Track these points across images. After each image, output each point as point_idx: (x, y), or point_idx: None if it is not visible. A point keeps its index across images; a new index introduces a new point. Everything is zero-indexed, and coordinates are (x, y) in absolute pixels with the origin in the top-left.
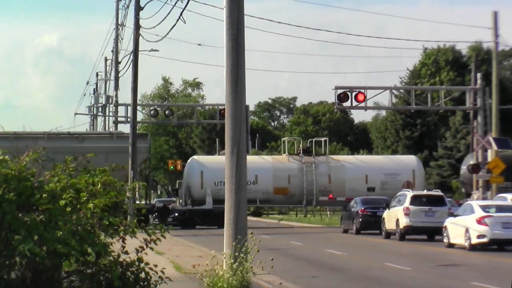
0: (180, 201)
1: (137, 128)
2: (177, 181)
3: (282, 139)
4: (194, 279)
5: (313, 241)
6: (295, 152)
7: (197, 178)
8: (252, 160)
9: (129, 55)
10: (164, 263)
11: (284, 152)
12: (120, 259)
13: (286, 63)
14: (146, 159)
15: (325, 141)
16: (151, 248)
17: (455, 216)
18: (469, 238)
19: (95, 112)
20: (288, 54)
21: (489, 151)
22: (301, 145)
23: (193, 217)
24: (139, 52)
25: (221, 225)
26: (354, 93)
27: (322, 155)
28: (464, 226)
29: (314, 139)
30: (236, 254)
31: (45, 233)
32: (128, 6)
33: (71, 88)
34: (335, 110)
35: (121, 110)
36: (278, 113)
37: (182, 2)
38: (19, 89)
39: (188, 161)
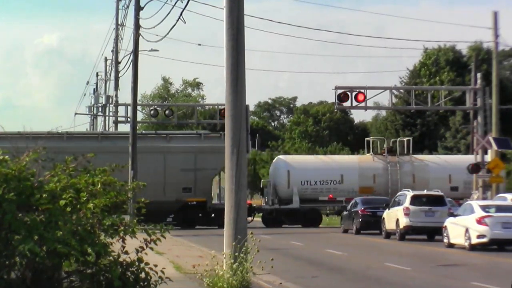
0: (266, 200)
1: (137, 128)
2: (262, 180)
3: (366, 139)
4: (194, 279)
5: (313, 241)
6: (379, 152)
7: (283, 178)
8: (338, 159)
9: (129, 55)
10: (164, 263)
11: (369, 152)
12: (120, 259)
13: (286, 63)
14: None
15: (408, 141)
16: (151, 248)
17: (455, 216)
18: (469, 238)
19: (95, 112)
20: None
21: (489, 151)
22: (385, 145)
23: (280, 216)
24: (139, 52)
25: (307, 224)
26: (354, 93)
27: (405, 155)
28: (464, 226)
29: (398, 139)
30: (236, 254)
31: (45, 233)
32: (128, 6)
33: (71, 88)
34: (335, 110)
35: (121, 110)
36: (278, 113)
37: (182, 2)
38: (20, 89)
39: (274, 160)
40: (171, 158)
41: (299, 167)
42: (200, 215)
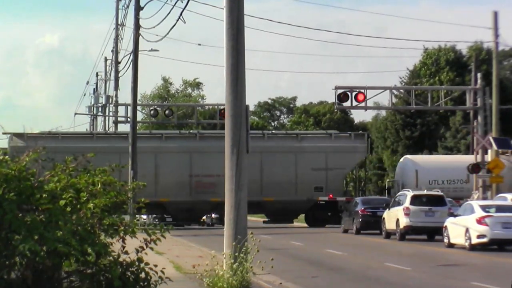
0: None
1: (137, 128)
2: (387, 180)
3: None
4: (194, 279)
5: (313, 241)
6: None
7: (411, 177)
8: (462, 159)
9: (129, 55)
10: (164, 263)
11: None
12: (120, 259)
13: (286, 63)
14: (363, 159)
15: None
16: (151, 248)
17: (455, 216)
18: (469, 238)
19: (95, 112)
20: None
21: (489, 151)
22: None
23: None
24: (139, 52)
25: None
26: (354, 93)
27: None
28: (464, 226)
29: None
30: (236, 254)
31: (45, 233)
32: (128, 6)
33: (71, 88)
34: (335, 110)
35: (121, 110)
36: (278, 113)
37: (182, 2)
38: (20, 89)
39: (401, 160)
40: (303, 158)
41: (427, 166)
42: (330, 214)
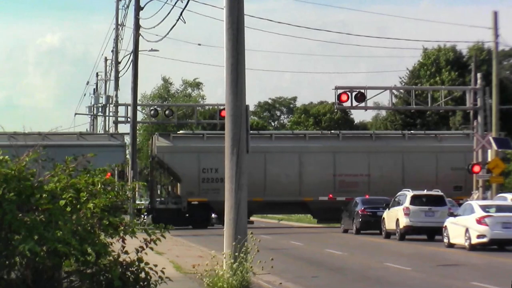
0: None
1: (137, 128)
2: None
3: None
4: (194, 279)
5: (313, 241)
6: None
7: None
8: None
9: (129, 55)
10: (164, 263)
11: None
12: (120, 259)
13: (287, 63)
14: None
15: None
16: (151, 248)
17: (455, 216)
18: (469, 238)
19: (95, 112)
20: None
21: (489, 151)
22: None
23: None
24: (139, 52)
25: None
26: (354, 93)
27: None
28: (464, 226)
29: None
30: (236, 254)
31: (45, 233)
32: (128, 6)
33: (72, 88)
34: (335, 110)
35: (121, 110)
36: (278, 113)
37: (182, 2)
38: (20, 88)
39: None
40: (443, 158)
41: None
42: None
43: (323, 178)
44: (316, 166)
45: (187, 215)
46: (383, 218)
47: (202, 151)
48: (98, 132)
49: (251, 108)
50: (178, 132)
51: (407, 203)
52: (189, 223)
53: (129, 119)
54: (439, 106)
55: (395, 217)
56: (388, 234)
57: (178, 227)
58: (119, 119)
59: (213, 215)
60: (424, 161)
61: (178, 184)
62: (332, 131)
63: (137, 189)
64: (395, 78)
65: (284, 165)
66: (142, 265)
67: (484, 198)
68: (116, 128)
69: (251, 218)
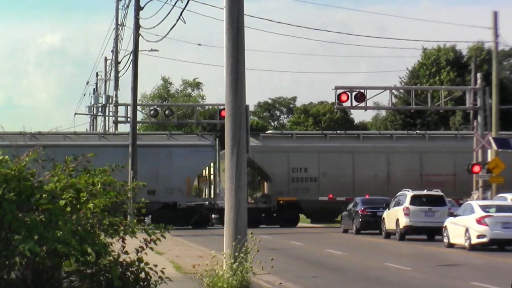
0: None
1: (137, 128)
2: None
3: None
4: (194, 279)
5: (313, 241)
6: None
7: None
8: None
9: (129, 55)
10: (164, 263)
11: None
12: (120, 259)
13: (287, 63)
14: None
15: None
16: (151, 248)
17: (455, 216)
18: (469, 238)
19: (95, 112)
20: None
21: (489, 151)
22: None
23: None
24: (139, 52)
25: None
26: (354, 93)
27: None
28: (464, 226)
29: None
30: (236, 254)
31: (45, 233)
32: (128, 6)
33: (72, 88)
34: (335, 110)
35: (121, 110)
36: (278, 113)
37: (182, 2)
38: (21, 88)
39: None
40: None
41: None
42: None
43: (410, 178)
44: (403, 166)
45: (275, 214)
46: (383, 218)
47: (291, 151)
48: (187, 133)
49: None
50: (266, 132)
51: (407, 203)
52: (277, 222)
53: (129, 119)
54: (439, 106)
55: (395, 217)
56: (388, 234)
57: (267, 226)
58: (119, 119)
59: (213, 216)
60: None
61: (265, 183)
62: (418, 132)
63: (137, 189)
64: (395, 78)
65: (372, 165)
66: (142, 265)
67: (484, 198)
68: (116, 128)
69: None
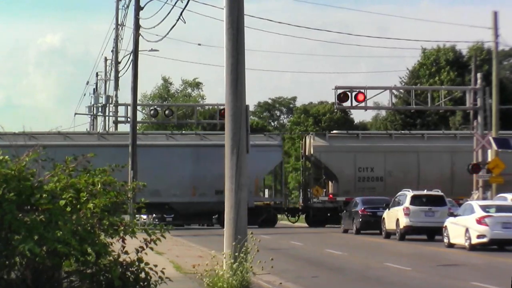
0: None
1: (137, 128)
2: None
3: None
4: (194, 279)
5: (313, 241)
6: None
7: None
8: None
9: (129, 55)
10: (164, 263)
11: None
12: (120, 259)
13: (287, 63)
14: None
15: None
16: (151, 248)
17: (455, 216)
18: (469, 238)
19: (95, 112)
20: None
21: (489, 151)
22: None
23: None
24: (139, 52)
25: None
26: (354, 93)
27: None
28: (464, 226)
29: None
30: (236, 254)
31: (45, 233)
32: (128, 6)
33: (72, 88)
34: (335, 110)
35: (121, 110)
36: (278, 113)
37: (182, 2)
38: (21, 88)
39: None
40: None
41: None
42: None
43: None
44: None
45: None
46: (383, 218)
47: (358, 151)
48: (252, 133)
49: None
50: (332, 132)
51: (407, 203)
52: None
53: (129, 119)
54: (439, 106)
55: (395, 217)
56: (388, 234)
57: (333, 225)
58: (119, 119)
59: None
60: None
61: (330, 183)
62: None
63: (137, 189)
64: (395, 78)
65: (436, 164)
66: (142, 265)
67: (484, 198)
68: (116, 128)
69: None
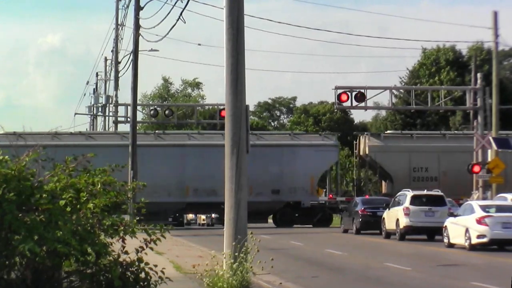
0: None
1: (137, 128)
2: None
3: None
4: (194, 279)
5: (313, 241)
6: None
7: None
8: None
9: (129, 55)
10: (164, 263)
11: None
12: (120, 259)
13: (287, 63)
14: None
15: None
16: (151, 248)
17: (455, 216)
18: (469, 238)
19: (95, 112)
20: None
21: (489, 151)
22: None
23: None
24: (139, 52)
25: None
26: (354, 93)
27: None
28: (464, 226)
29: None
30: (236, 254)
31: (45, 233)
32: (128, 6)
33: (72, 88)
34: (335, 110)
35: (121, 110)
36: (278, 113)
37: (182, 2)
38: (21, 88)
39: None
40: None
41: None
42: None
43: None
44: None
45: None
46: (383, 218)
47: (412, 150)
48: (309, 133)
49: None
50: (386, 132)
51: (407, 203)
52: None
53: (129, 119)
54: (439, 106)
55: (395, 217)
56: (388, 234)
57: None
58: (119, 119)
59: (213, 215)
60: None
61: (383, 183)
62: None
63: (137, 190)
64: (395, 78)
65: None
66: (142, 265)
67: (484, 198)
68: (116, 128)
69: None
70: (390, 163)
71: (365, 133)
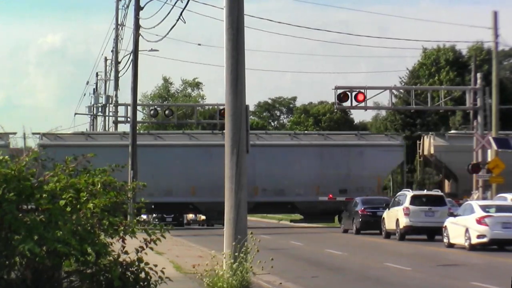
0: None
1: (137, 128)
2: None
3: None
4: (194, 279)
5: (313, 241)
6: None
7: None
8: None
9: (129, 55)
10: (164, 263)
11: None
12: (120, 259)
13: (287, 63)
14: None
15: None
16: (151, 248)
17: (455, 216)
18: (469, 238)
19: (95, 112)
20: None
21: (489, 151)
22: None
23: None
24: (139, 52)
25: None
26: (354, 93)
27: None
28: (464, 226)
29: None
30: (236, 254)
31: (45, 233)
32: (128, 6)
33: (72, 88)
34: (335, 110)
35: (121, 110)
36: (278, 113)
37: (182, 2)
38: (21, 88)
39: None
40: None
41: None
42: None
43: None
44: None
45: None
46: (383, 218)
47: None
48: (375, 132)
49: (251, 108)
50: (450, 132)
51: (407, 203)
52: None
53: (129, 119)
54: (439, 106)
55: (395, 217)
56: (388, 234)
57: None
58: (119, 119)
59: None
60: None
61: (447, 182)
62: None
63: (137, 189)
64: (395, 78)
65: None
66: (142, 265)
67: (484, 198)
68: (116, 128)
69: None
70: (455, 162)
71: (430, 133)
